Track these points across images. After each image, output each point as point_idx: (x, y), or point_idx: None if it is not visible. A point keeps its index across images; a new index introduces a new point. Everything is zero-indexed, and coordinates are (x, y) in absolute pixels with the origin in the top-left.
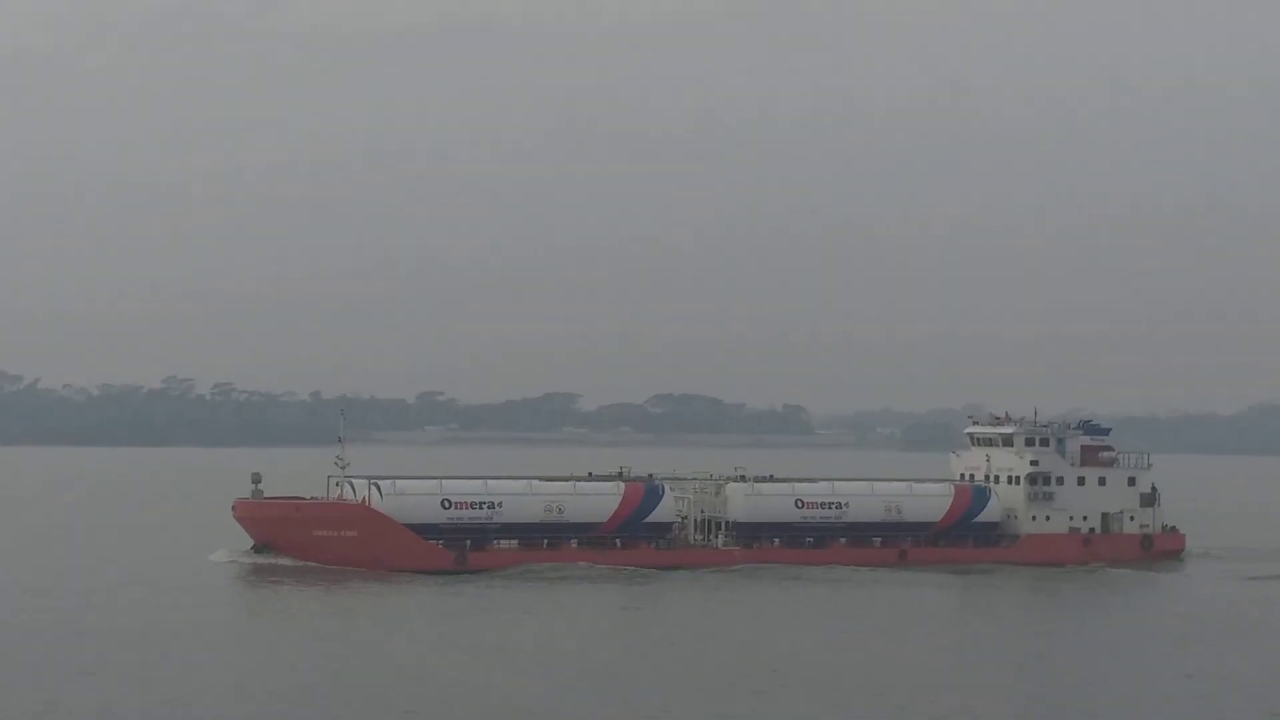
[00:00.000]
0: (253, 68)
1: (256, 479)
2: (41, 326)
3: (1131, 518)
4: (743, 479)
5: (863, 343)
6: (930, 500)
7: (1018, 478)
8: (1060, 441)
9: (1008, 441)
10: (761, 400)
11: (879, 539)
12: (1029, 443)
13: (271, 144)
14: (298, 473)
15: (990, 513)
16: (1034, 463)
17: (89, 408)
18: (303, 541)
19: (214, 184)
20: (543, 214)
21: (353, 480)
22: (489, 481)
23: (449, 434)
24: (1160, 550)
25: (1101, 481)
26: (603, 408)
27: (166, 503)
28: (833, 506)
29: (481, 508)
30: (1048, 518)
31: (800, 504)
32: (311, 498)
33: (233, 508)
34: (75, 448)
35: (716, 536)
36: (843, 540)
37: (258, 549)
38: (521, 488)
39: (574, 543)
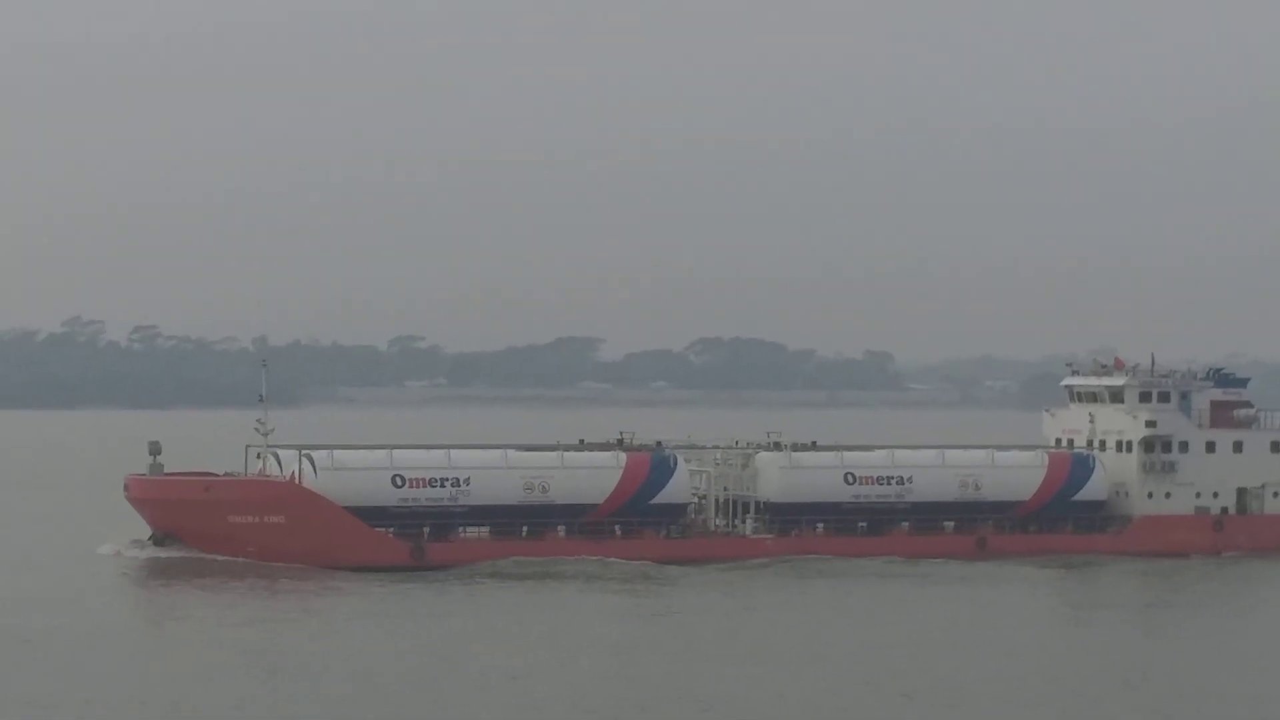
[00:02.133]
0: None
1: (155, 449)
2: None
3: (1276, 494)
4: (777, 447)
5: (963, 275)
6: (1017, 473)
7: (1130, 443)
8: (1185, 396)
9: (1117, 396)
10: (834, 347)
11: (952, 523)
12: (1144, 397)
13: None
14: (224, 440)
15: (1094, 489)
16: (1150, 423)
17: None
18: (213, 530)
19: (129, 57)
20: (537, 108)
21: (278, 451)
22: (453, 452)
23: (434, 390)
24: None
25: (1237, 447)
26: (631, 356)
27: (56, 481)
28: (892, 482)
29: (444, 486)
30: (1168, 494)
31: (851, 479)
32: (225, 474)
33: (125, 486)
34: None
35: (744, 521)
36: (905, 525)
37: (157, 539)
38: (495, 460)
39: (561, 530)
